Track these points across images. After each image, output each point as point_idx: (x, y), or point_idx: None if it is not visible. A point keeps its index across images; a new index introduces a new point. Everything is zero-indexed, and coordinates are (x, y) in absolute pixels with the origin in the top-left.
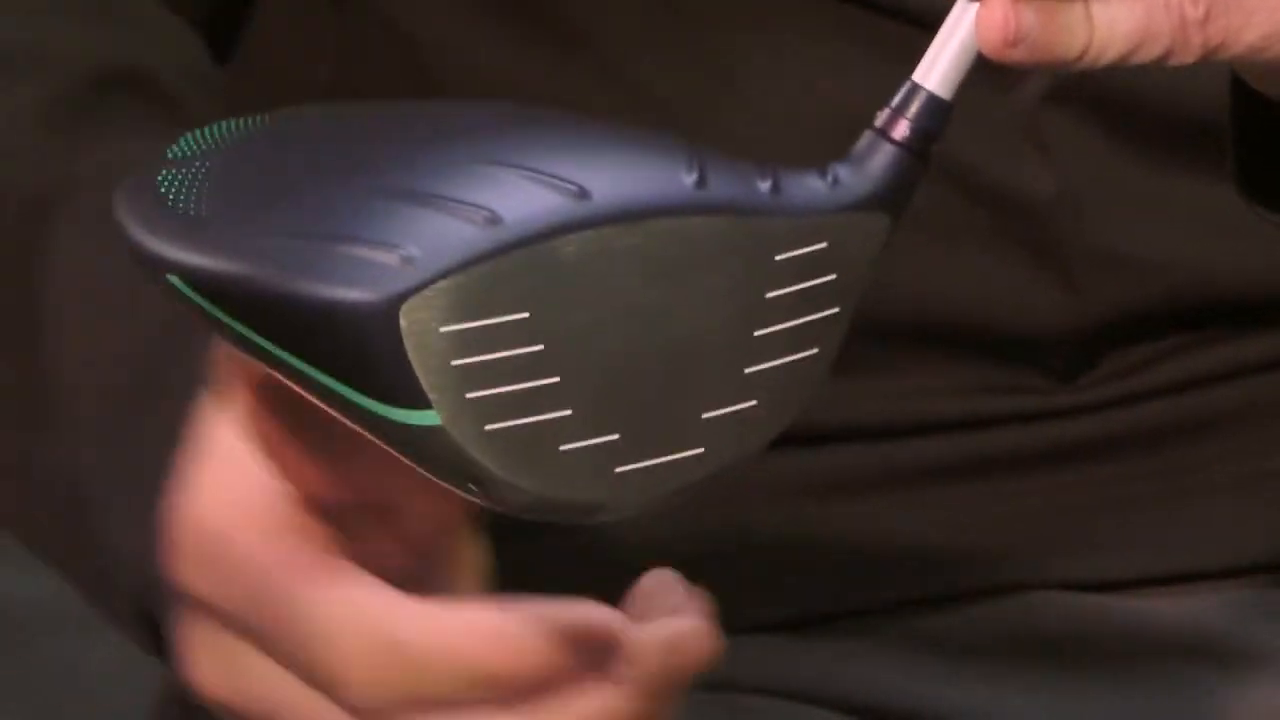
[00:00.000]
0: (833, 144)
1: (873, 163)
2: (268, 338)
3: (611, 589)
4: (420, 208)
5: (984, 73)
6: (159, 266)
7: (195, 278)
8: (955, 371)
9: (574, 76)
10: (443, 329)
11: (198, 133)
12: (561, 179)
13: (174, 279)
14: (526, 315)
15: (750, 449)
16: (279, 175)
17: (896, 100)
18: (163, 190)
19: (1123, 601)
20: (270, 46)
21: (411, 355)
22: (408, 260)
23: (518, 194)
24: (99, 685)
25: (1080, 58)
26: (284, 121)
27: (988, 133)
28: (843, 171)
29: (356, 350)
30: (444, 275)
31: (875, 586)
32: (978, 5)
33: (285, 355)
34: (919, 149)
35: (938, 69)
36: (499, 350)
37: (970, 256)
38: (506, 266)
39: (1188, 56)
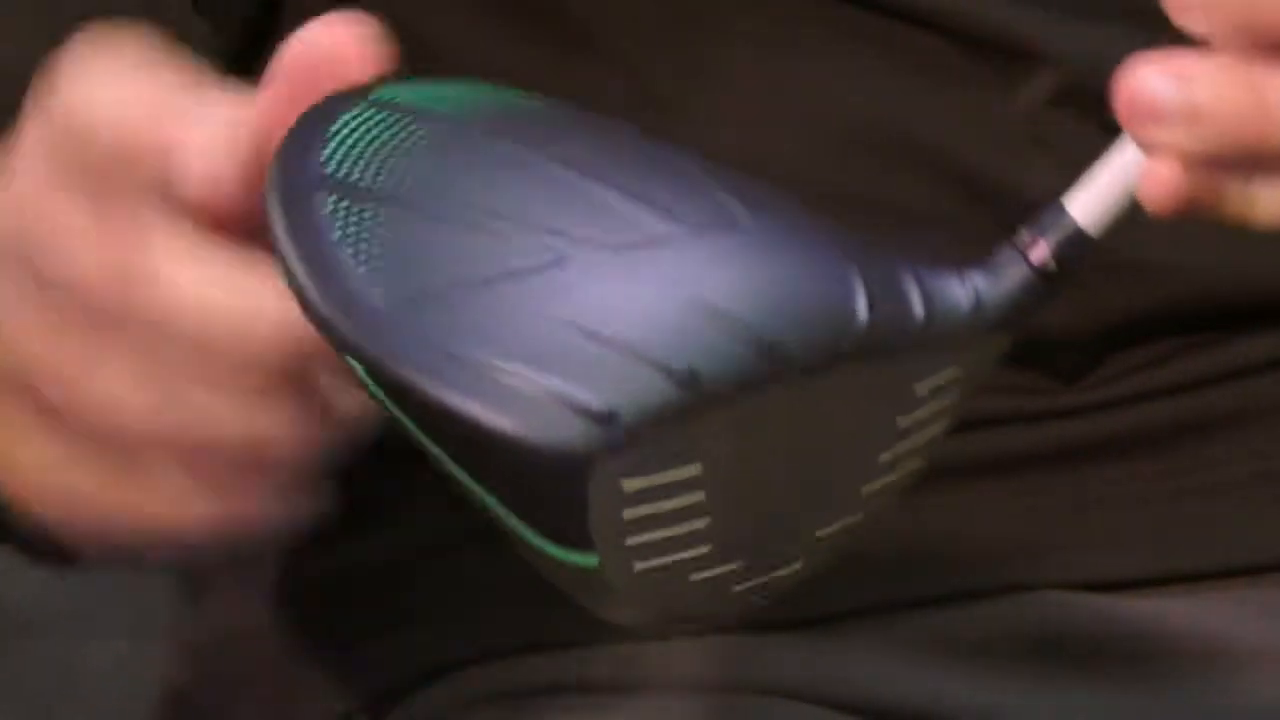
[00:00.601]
0: (835, 147)
1: (1008, 283)
2: (440, 446)
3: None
4: (622, 358)
5: (988, 72)
6: (343, 349)
7: (378, 372)
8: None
9: (576, 76)
10: (625, 482)
11: (410, 95)
12: (757, 334)
13: (354, 364)
14: (699, 469)
15: (842, 554)
16: (466, 242)
17: (1042, 221)
18: (329, 214)
19: (1126, 601)
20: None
21: (591, 507)
22: (610, 416)
23: (716, 351)
24: (94, 685)
25: (1235, 219)
26: (482, 135)
27: (991, 134)
28: (982, 286)
29: (537, 489)
30: (640, 435)
31: (879, 586)
32: (1141, 156)
33: (454, 466)
34: (1058, 277)
35: (1091, 204)
36: (667, 501)
37: (972, 258)
38: (697, 427)
39: None
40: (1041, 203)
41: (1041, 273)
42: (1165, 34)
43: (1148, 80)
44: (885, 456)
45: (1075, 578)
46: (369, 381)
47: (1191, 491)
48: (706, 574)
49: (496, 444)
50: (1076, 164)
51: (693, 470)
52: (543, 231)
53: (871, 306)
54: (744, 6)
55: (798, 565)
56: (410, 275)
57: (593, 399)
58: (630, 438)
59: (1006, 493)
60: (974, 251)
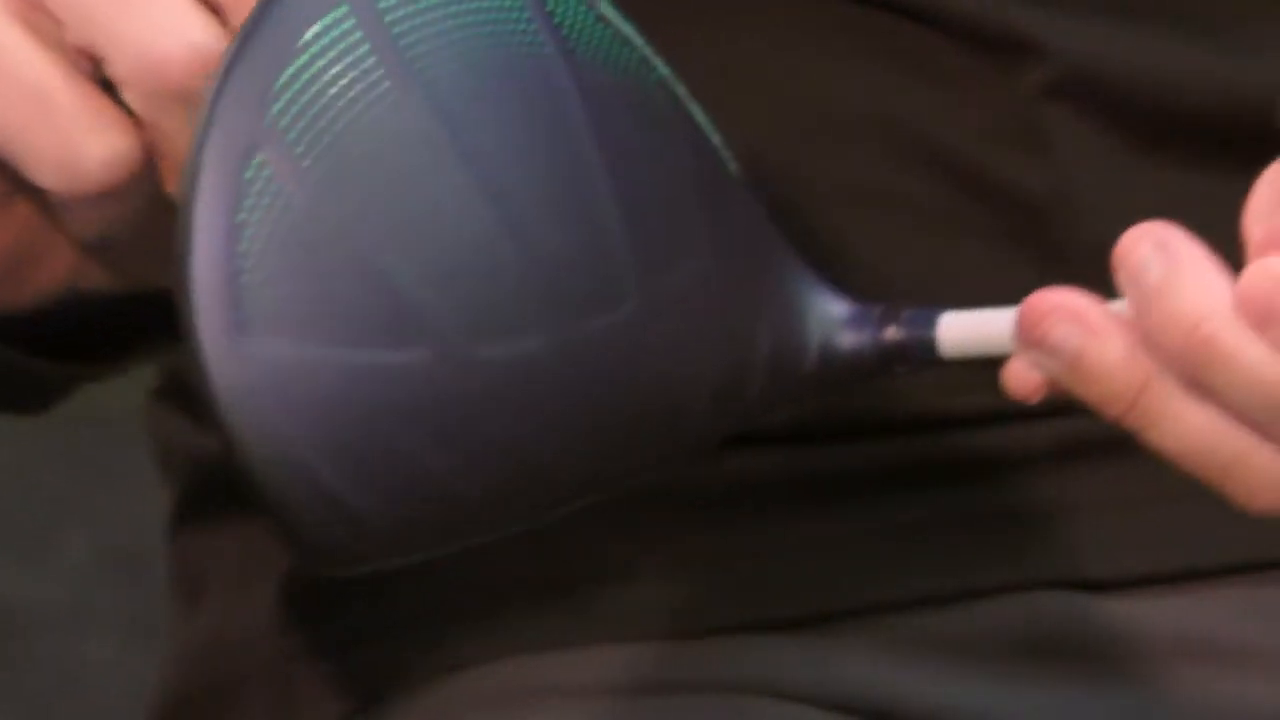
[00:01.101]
0: (834, 141)
1: (851, 347)
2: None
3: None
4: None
5: (985, 67)
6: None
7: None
8: (954, 369)
9: None
10: None
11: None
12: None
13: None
14: None
15: None
16: (354, 300)
17: (915, 313)
18: (248, 181)
19: (1123, 601)
20: None
21: None
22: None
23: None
24: (92, 683)
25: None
26: (432, 115)
27: (989, 129)
28: (832, 334)
29: None
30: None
31: (874, 587)
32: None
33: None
34: (885, 358)
35: (959, 334)
36: None
37: (970, 253)
38: None
39: None
40: (1039, 198)
41: (880, 354)
42: (1159, 27)
43: (1053, 304)
44: None
45: (1072, 577)
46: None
47: (1187, 491)
48: None
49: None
50: (1073, 159)
51: None
52: (421, 320)
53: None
54: (742, 2)
55: None
56: (283, 319)
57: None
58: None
59: (1002, 492)
60: (966, 244)
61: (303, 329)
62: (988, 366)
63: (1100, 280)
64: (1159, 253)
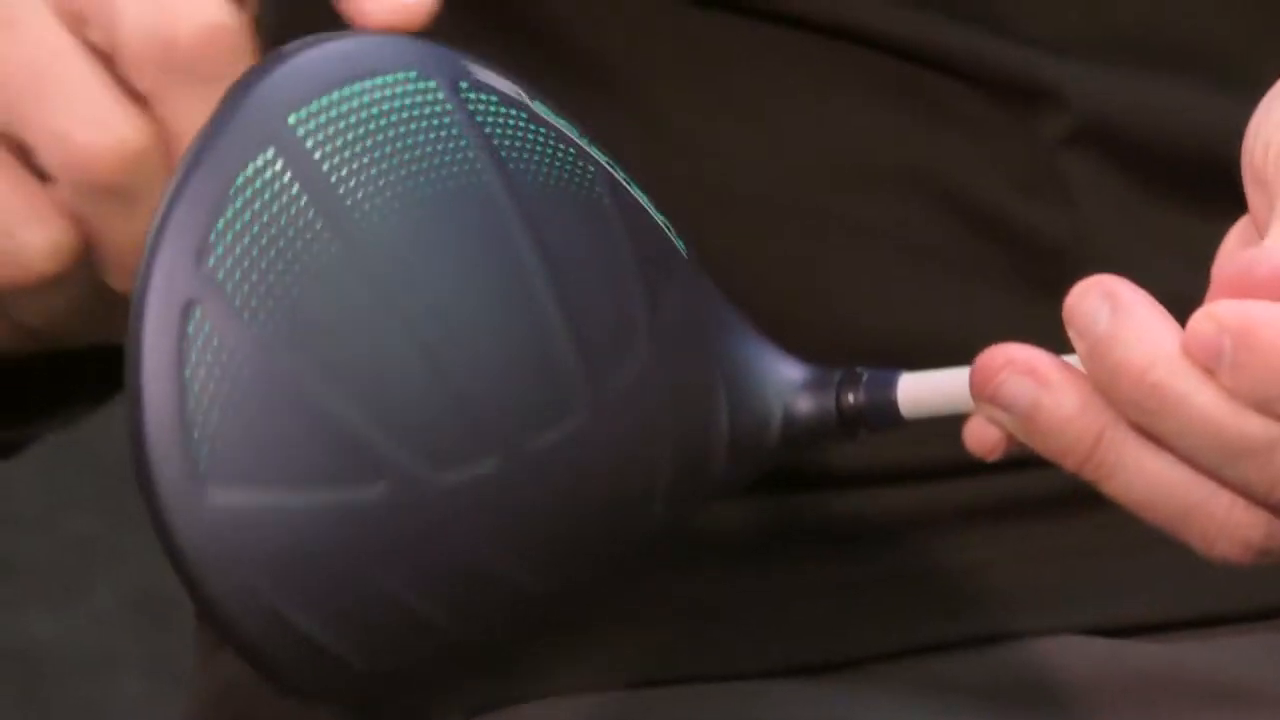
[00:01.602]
0: (852, 184)
1: (811, 411)
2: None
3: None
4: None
5: (1004, 113)
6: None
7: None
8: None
9: (587, 109)
10: None
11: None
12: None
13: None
14: None
15: None
16: (306, 444)
17: (876, 376)
18: (191, 336)
19: (1138, 646)
20: None
21: None
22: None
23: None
24: None
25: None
26: (387, 264)
27: (1007, 173)
28: (789, 399)
29: None
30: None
31: (887, 632)
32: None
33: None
34: (849, 425)
35: (920, 394)
36: None
37: (989, 297)
38: None
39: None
40: (1057, 242)
41: (841, 416)
42: (1177, 76)
43: (1008, 363)
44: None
45: (1086, 622)
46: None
47: None
48: None
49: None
50: (1091, 204)
51: None
52: (376, 457)
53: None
54: (762, 45)
55: None
56: (239, 468)
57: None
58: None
59: (1016, 537)
60: (985, 288)
61: (259, 477)
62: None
63: None
64: (1106, 302)
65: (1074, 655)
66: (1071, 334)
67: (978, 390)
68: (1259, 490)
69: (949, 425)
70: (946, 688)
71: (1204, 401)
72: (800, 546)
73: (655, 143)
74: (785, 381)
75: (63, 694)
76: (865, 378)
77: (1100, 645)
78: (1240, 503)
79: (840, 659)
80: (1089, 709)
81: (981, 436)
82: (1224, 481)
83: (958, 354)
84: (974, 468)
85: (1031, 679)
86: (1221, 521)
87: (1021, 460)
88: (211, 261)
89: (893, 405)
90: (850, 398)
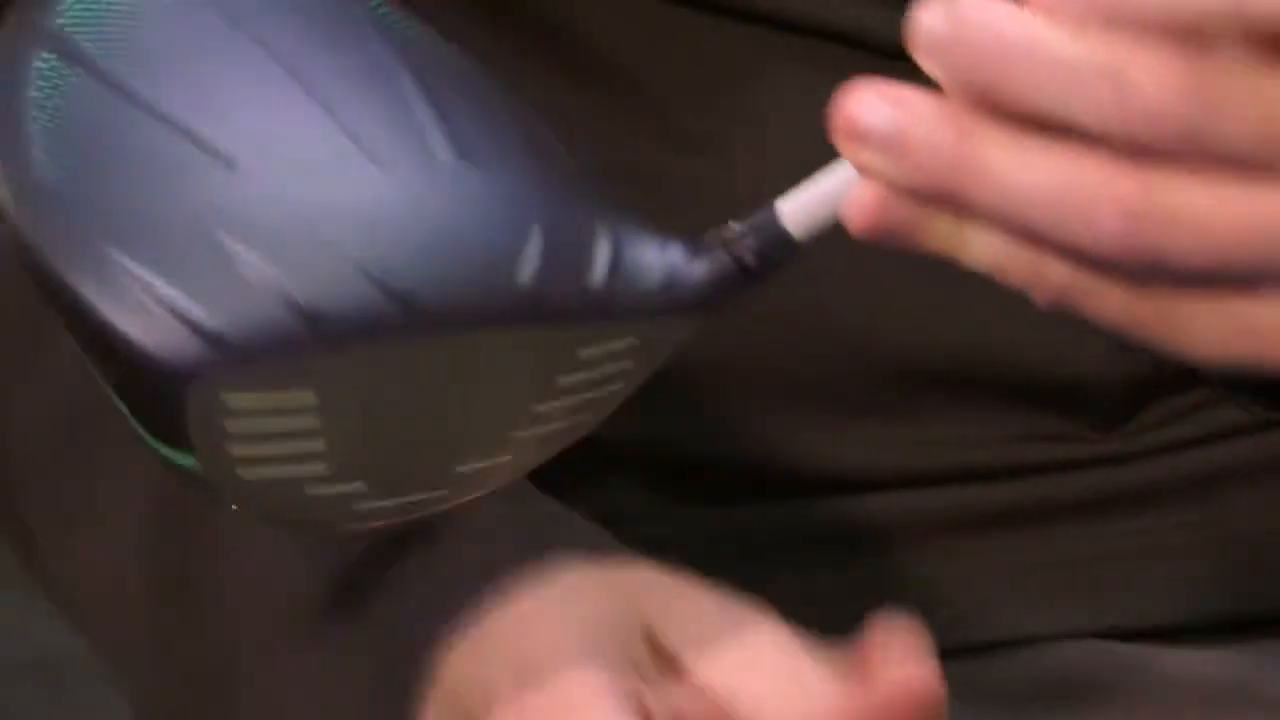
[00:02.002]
0: None
1: (709, 268)
2: (71, 331)
3: None
4: (250, 282)
5: None
6: None
7: (21, 247)
8: (998, 420)
9: (599, 109)
10: (227, 397)
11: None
12: (392, 283)
13: None
14: (313, 397)
15: (488, 489)
16: (151, 134)
17: (755, 218)
18: (39, 86)
19: (1158, 651)
20: None
21: (190, 415)
22: (219, 337)
23: (345, 292)
24: None
25: (939, 253)
26: (219, 13)
27: None
28: (680, 265)
29: (143, 388)
30: (248, 362)
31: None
32: (854, 174)
33: (84, 350)
34: (755, 273)
35: (802, 211)
36: (275, 420)
37: (1015, 307)
38: (313, 361)
39: (1041, 303)
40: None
41: (741, 266)
42: None
43: (863, 101)
44: (540, 408)
45: (1114, 625)
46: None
47: (1226, 539)
48: (325, 490)
49: (109, 339)
50: None
51: (305, 398)
52: (226, 131)
53: (541, 269)
54: (782, 53)
55: (443, 493)
56: (85, 153)
57: (206, 317)
58: (234, 360)
59: (1038, 540)
60: (1012, 298)
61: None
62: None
63: None
64: (943, 6)
65: (1092, 658)
66: (919, 52)
67: (839, 131)
68: (1113, 125)
69: (953, 433)
70: (964, 690)
71: (1050, 35)
72: (805, 551)
73: (663, 141)
74: (664, 249)
75: (79, 702)
76: (748, 225)
77: (1117, 649)
78: (1107, 167)
79: None
80: (1106, 713)
81: (857, 203)
82: (1084, 127)
83: (982, 366)
84: (978, 475)
85: (1051, 681)
86: (1093, 191)
87: (1032, 467)
88: (60, 18)
89: (784, 233)
90: (742, 246)
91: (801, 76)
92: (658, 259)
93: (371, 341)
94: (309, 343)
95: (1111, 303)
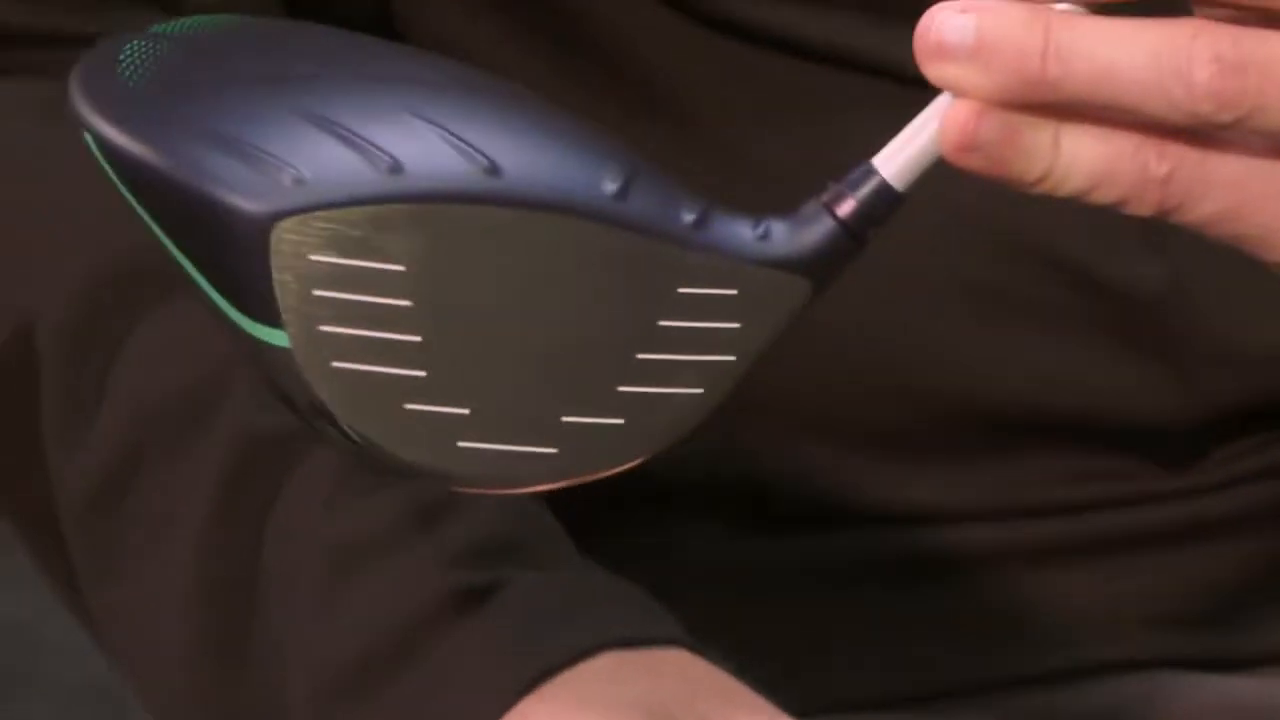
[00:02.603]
0: (945, 237)
1: (809, 231)
2: (153, 217)
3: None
4: (329, 137)
5: None
6: (79, 124)
7: (104, 146)
8: (1067, 459)
9: (665, 141)
10: (312, 256)
11: (189, 19)
12: (476, 149)
13: (89, 138)
14: (403, 269)
15: (602, 467)
16: (220, 73)
17: (851, 177)
18: (122, 58)
19: (1230, 680)
20: None
21: (275, 273)
22: (298, 181)
23: (427, 150)
24: None
25: (1037, 182)
26: (255, 25)
27: (1101, 227)
28: (777, 229)
29: (227, 255)
30: (328, 206)
31: (977, 664)
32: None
33: (164, 238)
34: (857, 231)
35: (898, 159)
36: (365, 294)
37: (1083, 349)
38: (394, 216)
39: (1143, 209)
40: (1152, 296)
41: (844, 225)
42: None
43: (937, 15)
44: (643, 356)
45: (1183, 655)
46: (102, 161)
47: None
48: (423, 407)
49: (192, 209)
50: (1185, 256)
51: (395, 268)
52: (295, 69)
53: (624, 185)
54: (851, 90)
55: (551, 450)
56: (166, 87)
57: (287, 170)
58: (311, 204)
59: (1115, 572)
60: (1079, 340)
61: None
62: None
63: (1219, 376)
64: None
65: (1161, 689)
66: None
67: (922, 53)
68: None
69: (1027, 472)
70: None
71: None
72: (892, 580)
73: (737, 181)
74: (758, 219)
75: (57, 671)
76: (844, 186)
77: (1188, 679)
78: (1196, 27)
79: (933, 690)
80: None
81: (951, 123)
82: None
83: (1051, 407)
84: (1061, 509)
85: (1119, 712)
86: (1188, 45)
87: (1098, 503)
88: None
89: (886, 187)
90: (846, 207)
91: (871, 114)
92: (750, 220)
93: (455, 200)
94: (392, 193)
95: (1215, 194)
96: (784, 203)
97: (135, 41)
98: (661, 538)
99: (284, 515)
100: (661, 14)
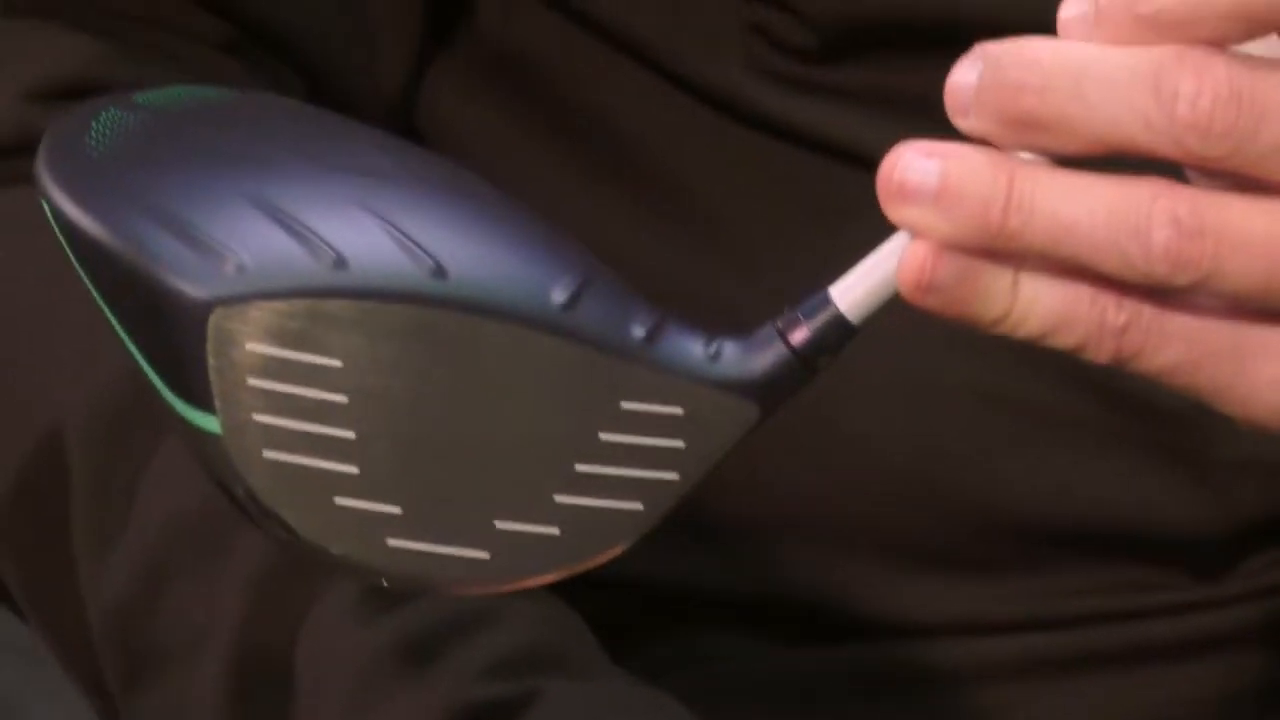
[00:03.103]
0: (975, 350)
1: (761, 355)
2: (98, 290)
3: None
4: (275, 225)
5: None
6: (39, 190)
7: (56, 213)
8: (1097, 570)
9: (681, 238)
10: (249, 345)
11: (175, 90)
12: (423, 249)
13: (45, 204)
14: (339, 364)
15: (533, 576)
16: (179, 149)
17: (807, 304)
18: (94, 125)
19: None
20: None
21: (210, 359)
22: (240, 268)
23: (373, 247)
24: None
25: (994, 324)
26: (228, 100)
27: None
28: (729, 349)
29: (165, 336)
30: (268, 295)
31: None
32: (903, 246)
33: (108, 312)
34: (809, 359)
35: (855, 291)
36: (300, 386)
37: (1110, 461)
38: (334, 310)
39: (1100, 357)
40: (1179, 409)
41: (796, 352)
42: None
43: (904, 158)
44: (582, 468)
45: None
46: (55, 227)
47: None
48: (354, 503)
49: (133, 287)
50: None
51: (332, 363)
52: (254, 151)
53: (574, 295)
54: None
55: (482, 555)
56: (127, 159)
57: (230, 251)
58: (249, 293)
59: (1150, 681)
60: (1106, 452)
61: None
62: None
63: (1246, 486)
64: (975, 60)
65: None
66: (961, 115)
67: (885, 194)
68: (1161, 132)
69: (1059, 582)
70: None
71: (1090, 53)
72: (916, 691)
73: (751, 284)
74: (711, 336)
75: None
76: (799, 314)
77: None
78: (1156, 186)
79: None
80: None
81: (909, 263)
82: (1134, 142)
83: (1080, 518)
84: (1092, 619)
85: None
86: (1148, 206)
87: (1143, 610)
88: (90, 139)
89: (841, 319)
90: (799, 336)
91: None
92: (703, 337)
93: (398, 300)
94: (333, 287)
95: (1171, 347)
96: (790, 300)
97: (110, 109)
98: (690, 647)
99: (316, 624)
100: (675, 100)
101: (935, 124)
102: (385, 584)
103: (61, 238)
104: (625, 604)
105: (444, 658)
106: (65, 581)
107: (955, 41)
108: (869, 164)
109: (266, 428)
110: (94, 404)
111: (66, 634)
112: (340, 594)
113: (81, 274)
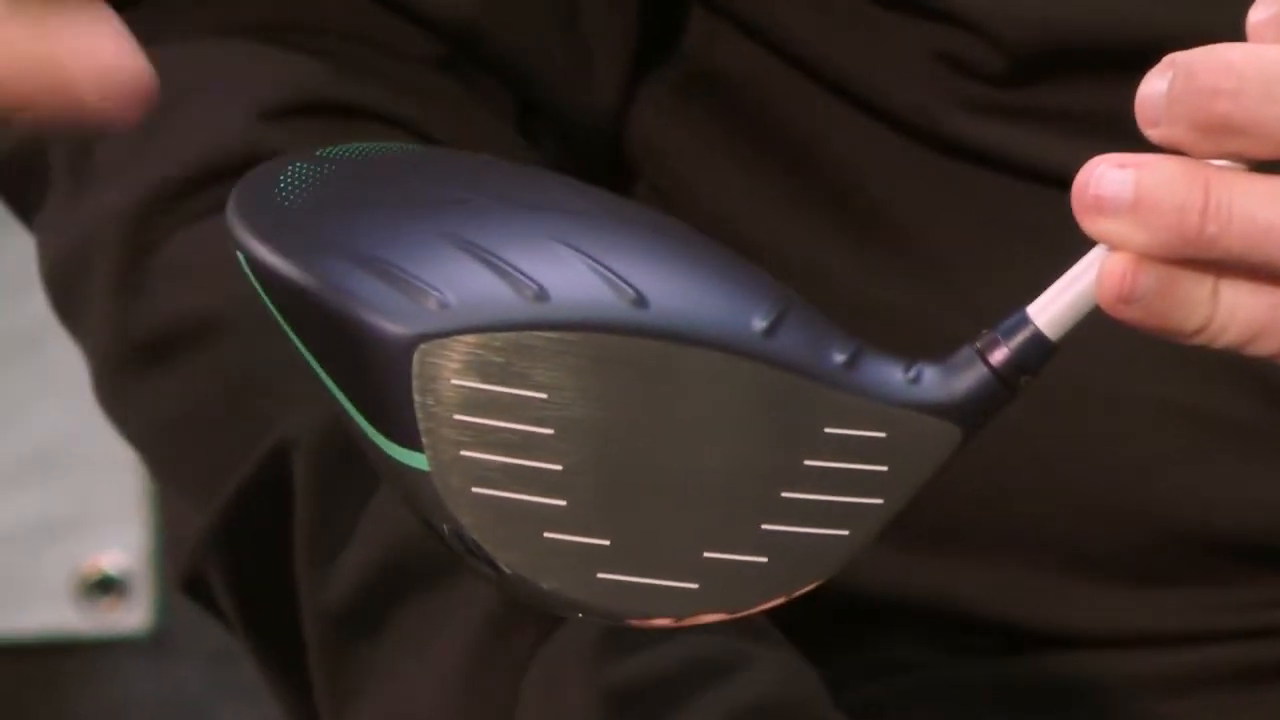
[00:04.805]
0: (1156, 363)
1: (961, 377)
2: (299, 337)
3: None
4: (475, 262)
5: None
6: (231, 243)
7: (254, 264)
8: (1271, 583)
9: (887, 267)
10: (454, 381)
11: (356, 145)
12: (624, 280)
13: (240, 257)
14: (544, 396)
15: (741, 606)
16: (371, 196)
17: (1005, 325)
18: (282, 179)
19: None
20: None
21: (416, 396)
22: (443, 305)
23: (574, 279)
24: None
25: (1194, 334)
26: (413, 152)
27: None
28: (928, 373)
29: (369, 377)
30: (472, 330)
31: None
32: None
33: (310, 359)
34: (1010, 379)
35: (1052, 309)
36: (507, 420)
37: None
38: (538, 343)
39: None
40: None
41: (997, 373)
42: None
43: (1095, 170)
44: (788, 495)
45: None
46: (252, 279)
47: None
48: (563, 536)
49: (336, 330)
50: None
51: (537, 396)
52: (447, 194)
53: (774, 323)
54: (1044, 222)
55: (691, 586)
56: (319, 209)
57: (432, 289)
58: (454, 328)
59: (1249, 701)
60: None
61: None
62: None
63: None
64: (1164, 70)
65: None
66: (1154, 126)
67: (1080, 208)
68: None
69: (1237, 594)
70: None
71: (1270, 53)
72: (1090, 703)
73: (958, 312)
74: (910, 363)
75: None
76: (998, 334)
77: None
78: None
79: None
80: None
81: (1109, 275)
82: None
83: (1259, 530)
84: (1265, 631)
85: None
86: None
87: (1261, 630)
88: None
89: (1040, 337)
90: (999, 356)
91: (1066, 250)
92: (901, 363)
93: (600, 330)
94: (536, 320)
95: None
96: (988, 321)
97: (297, 164)
98: (880, 657)
99: (551, 658)
100: (870, 125)
101: (1127, 141)
102: (590, 618)
103: (259, 287)
104: (819, 614)
105: (685, 707)
106: (282, 590)
107: (1147, 63)
108: (1061, 183)
109: (475, 462)
110: (323, 426)
111: (277, 645)
112: (572, 632)
113: (281, 322)
